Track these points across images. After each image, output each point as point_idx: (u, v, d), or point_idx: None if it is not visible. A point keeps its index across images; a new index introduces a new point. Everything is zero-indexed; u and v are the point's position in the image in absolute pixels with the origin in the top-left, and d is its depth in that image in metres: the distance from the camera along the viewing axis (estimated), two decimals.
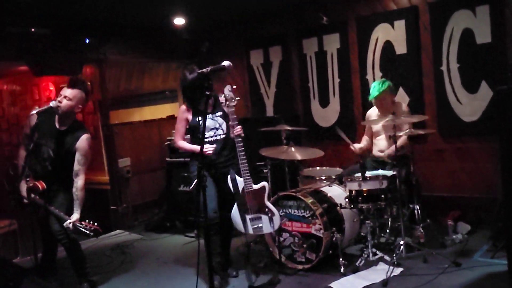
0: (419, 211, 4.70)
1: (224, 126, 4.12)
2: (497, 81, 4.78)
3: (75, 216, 3.80)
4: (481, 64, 4.99)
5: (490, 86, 4.95)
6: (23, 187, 3.95)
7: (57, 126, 3.99)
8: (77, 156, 3.93)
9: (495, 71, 4.88)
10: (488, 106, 4.99)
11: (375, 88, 4.84)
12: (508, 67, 4.35)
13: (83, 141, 3.94)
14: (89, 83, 6.57)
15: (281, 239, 4.38)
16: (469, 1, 4.99)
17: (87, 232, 3.69)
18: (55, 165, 4.00)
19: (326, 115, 6.20)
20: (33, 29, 5.53)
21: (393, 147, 4.47)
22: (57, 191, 4.04)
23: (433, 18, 5.26)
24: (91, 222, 3.73)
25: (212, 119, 4.09)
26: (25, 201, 3.94)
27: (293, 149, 4.69)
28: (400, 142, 4.62)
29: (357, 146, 5.05)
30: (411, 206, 4.73)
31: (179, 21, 6.32)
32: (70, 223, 3.73)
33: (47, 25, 5.66)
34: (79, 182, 3.92)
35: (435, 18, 5.24)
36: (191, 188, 3.84)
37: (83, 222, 3.73)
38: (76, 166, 3.92)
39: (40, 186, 3.94)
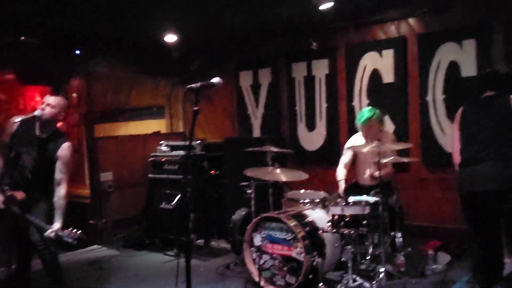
0: (400, 239, 4.70)
1: None
2: None
3: (57, 225, 3.71)
4: (466, 97, 5.04)
5: None
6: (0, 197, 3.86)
7: (37, 133, 3.93)
8: (59, 165, 3.86)
9: None
10: None
11: (364, 114, 4.83)
12: None
13: (64, 149, 3.88)
14: (74, 94, 6.56)
15: (261, 261, 4.33)
16: (456, 35, 5.10)
17: (70, 240, 3.60)
18: (36, 174, 3.92)
19: (312, 139, 6.23)
20: (23, 38, 5.51)
21: (377, 172, 4.50)
22: (37, 200, 3.95)
23: (421, 49, 5.37)
24: (74, 230, 3.64)
25: None
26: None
27: (278, 170, 4.68)
28: (384, 172, 4.66)
29: (342, 185, 4.98)
30: (392, 233, 4.73)
31: (170, 38, 6.34)
32: (52, 232, 3.64)
33: (38, 35, 5.64)
34: (61, 191, 3.84)
35: (423, 49, 5.35)
36: (173, 204, 3.79)
37: (66, 230, 3.64)
38: (58, 175, 3.85)
39: (18, 196, 3.85)
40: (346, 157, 5.10)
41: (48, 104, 3.89)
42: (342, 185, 4.95)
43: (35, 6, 4.73)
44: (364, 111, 4.88)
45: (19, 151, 3.88)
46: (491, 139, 3.38)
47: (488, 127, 3.43)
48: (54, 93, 3.99)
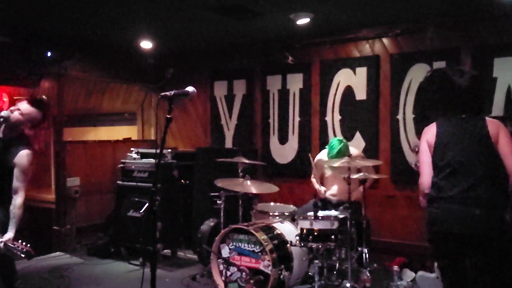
0: (367, 255, 4.74)
1: None
2: None
3: (9, 235, 3.56)
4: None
5: None
6: None
7: (0, 135, 3.80)
8: (16, 172, 3.71)
9: None
10: None
11: (335, 146, 4.83)
12: None
13: (22, 156, 3.71)
14: (44, 96, 6.42)
15: (229, 273, 4.30)
16: (427, 57, 5.23)
17: (18, 253, 3.49)
18: None
19: (284, 152, 6.25)
20: None
21: (360, 190, 4.64)
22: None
23: (393, 68, 5.48)
24: (24, 243, 3.52)
25: None
26: None
27: (248, 182, 4.67)
28: (355, 194, 4.77)
29: (323, 189, 5.07)
30: (359, 249, 4.77)
31: (146, 44, 6.30)
32: (1, 242, 3.51)
33: (9, 33, 5.51)
34: (17, 199, 3.69)
35: (395, 69, 5.46)
36: (141, 212, 3.72)
37: (15, 243, 3.51)
38: (15, 183, 3.70)
39: None
40: (315, 172, 5.18)
41: (18, 109, 3.77)
42: (322, 189, 5.05)
43: (6, 4, 4.63)
44: (334, 144, 4.87)
45: None
46: (474, 176, 2.87)
47: (468, 159, 2.91)
48: (30, 103, 3.85)
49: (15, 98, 7.05)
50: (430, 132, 3.13)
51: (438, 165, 3.00)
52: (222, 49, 6.67)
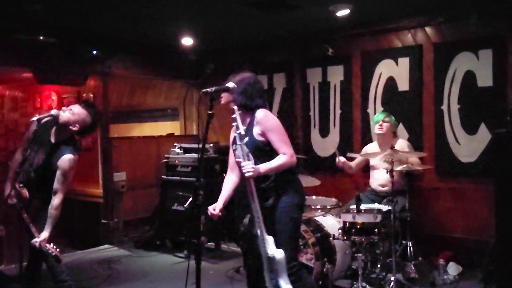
0: (411, 248, 4.68)
1: None
2: (496, 124, 4.80)
3: (44, 234, 3.70)
4: (481, 107, 5.04)
5: (489, 128, 4.98)
6: (7, 189, 3.90)
7: (51, 138, 3.95)
8: (57, 175, 3.82)
9: (495, 114, 4.92)
10: (486, 148, 5.01)
11: (378, 114, 5.11)
12: (508, 112, 4.38)
13: (64, 161, 3.82)
14: (90, 94, 6.63)
15: None
16: (473, 45, 5.07)
17: (49, 255, 3.64)
18: (39, 177, 3.92)
19: (325, 145, 6.22)
20: (41, 37, 5.58)
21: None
22: (36, 203, 3.95)
23: (436, 58, 5.34)
24: (54, 247, 3.65)
25: None
26: (9, 201, 3.88)
27: None
28: (399, 186, 4.74)
29: (342, 159, 5.04)
30: (404, 242, 4.71)
31: (186, 41, 6.38)
32: (37, 242, 3.66)
33: (55, 34, 5.71)
34: (55, 200, 3.81)
35: (439, 58, 5.32)
36: (185, 206, 3.79)
37: (47, 245, 3.65)
38: (55, 185, 3.82)
39: (23, 194, 3.87)
40: (357, 159, 5.22)
41: (70, 109, 3.89)
42: (342, 158, 5.03)
43: (53, 6, 4.79)
44: (377, 114, 5.17)
45: (32, 150, 3.90)
46: None
47: None
48: (82, 104, 3.98)
49: (63, 96, 7.31)
50: None
51: None
52: (261, 43, 6.67)
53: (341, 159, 5.01)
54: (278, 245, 3.09)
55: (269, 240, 3.04)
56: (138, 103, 8.29)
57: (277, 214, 3.19)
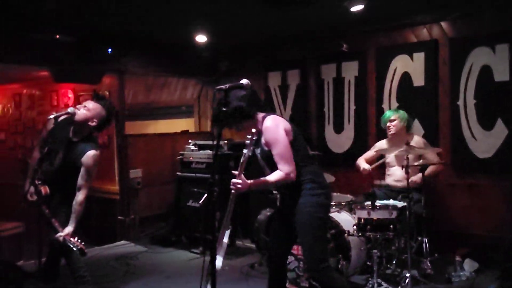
0: (427, 245, 4.65)
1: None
2: None
3: (69, 229, 3.76)
4: (498, 102, 4.98)
5: (505, 124, 4.93)
6: (27, 187, 3.97)
7: (70, 136, 4.01)
8: (82, 171, 3.89)
9: None
10: (503, 144, 4.96)
11: (387, 113, 5.12)
12: None
13: (88, 157, 3.89)
14: (106, 92, 6.69)
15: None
16: (489, 39, 5.01)
17: (74, 249, 3.69)
18: (60, 174, 3.99)
19: (340, 142, 6.20)
20: (57, 36, 5.65)
21: (419, 175, 4.61)
22: (57, 199, 4.02)
23: (452, 52, 5.29)
24: (79, 241, 3.71)
25: None
26: (29, 198, 3.96)
27: None
28: (429, 170, 4.76)
29: (367, 166, 5.07)
30: (419, 238, 4.68)
31: (200, 38, 6.40)
32: (61, 236, 3.72)
33: (71, 33, 5.77)
34: (80, 196, 3.88)
35: (455, 53, 5.26)
36: (200, 202, 3.81)
37: (72, 239, 3.71)
38: (80, 181, 3.89)
39: (43, 190, 3.93)
40: (368, 153, 5.28)
41: (84, 106, 3.96)
42: (366, 167, 5.06)
43: (69, 5, 4.85)
44: (386, 112, 5.18)
45: (51, 148, 3.97)
46: None
47: None
48: (95, 99, 4.04)
49: (79, 94, 7.39)
50: None
51: None
52: (275, 39, 6.67)
53: (365, 167, 5.04)
54: (303, 248, 3.20)
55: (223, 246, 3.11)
56: (153, 100, 8.34)
57: (301, 215, 3.18)
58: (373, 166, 5.07)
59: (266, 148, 3.19)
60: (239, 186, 3.06)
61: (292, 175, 3.11)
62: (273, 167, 3.14)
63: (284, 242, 3.44)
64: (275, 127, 3.14)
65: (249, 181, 3.10)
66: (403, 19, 5.56)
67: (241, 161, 3.03)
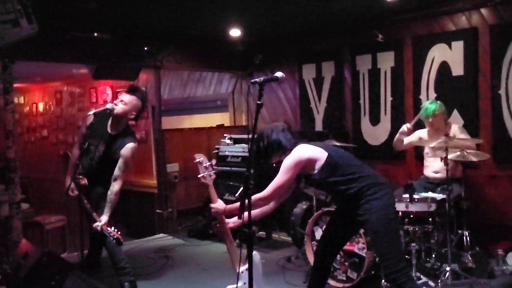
0: (468, 238, 4.55)
1: None
2: None
3: (104, 218, 3.87)
4: None
5: None
6: (68, 181, 4.10)
7: (108, 130, 4.11)
8: (119, 162, 4.01)
9: None
10: None
11: (429, 107, 4.76)
12: None
13: (128, 149, 4.01)
14: (144, 88, 6.81)
15: None
16: None
17: (111, 238, 3.78)
18: (99, 167, 4.10)
19: (376, 133, 6.11)
20: (96, 34, 5.78)
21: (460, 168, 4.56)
22: (97, 192, 4.14)
23: (493, 40, 5.12)
24: (116, 230, 3.81)
25: None
26: (70, 193, 4.09)
27: None
28: (455, 174, 4.63)
29: (408, 125, 4.86)
30: (459, 231, 4.58)
31: (234, 32, 6.42)
32: (98, 225, 3.83)
33: (109, 31, 5.90)
34: (115, 186, 3.99)
35: (495, 40, 5.09)
36: (236, 196, 3.85)
37: (108, 228, 3.81)
38: (116, 171, 4.00)
39: (82, 182, 4.05)
40: (410, 137, 4.96)
41: (121, 100, 4.06)
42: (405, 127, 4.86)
43: (107, 3, 4.95)
44: (426, 105, 4.81)
45: (90, 143, 4.09)
46: None
47: None
48: (129, 92, 4.15)
49: (117, 90, 7.55)
50: None
51: None
52: (309, 31, 6.62)
53: (408, 125, 4.84)
54: (379, 253, 3.27)
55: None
56: (189, 95, 8.44)
57: (371, 224, 3.17)
58: (412, 123, 4.91)
59: (313, 175, 3.27)
60: (217, 211, 3.44)
61: (268, 201, 3.46)
62: (323, 189, 3.21)
63: (339, 243, 3.51)
64: (292, 157, 3.32)
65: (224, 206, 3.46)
66: (440, 7, 5.42)
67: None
